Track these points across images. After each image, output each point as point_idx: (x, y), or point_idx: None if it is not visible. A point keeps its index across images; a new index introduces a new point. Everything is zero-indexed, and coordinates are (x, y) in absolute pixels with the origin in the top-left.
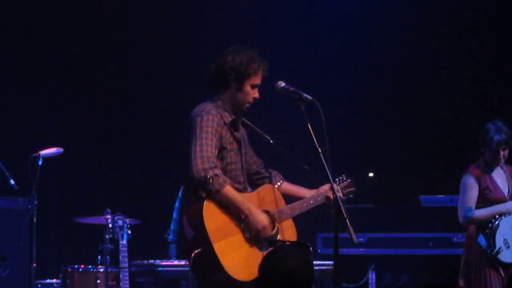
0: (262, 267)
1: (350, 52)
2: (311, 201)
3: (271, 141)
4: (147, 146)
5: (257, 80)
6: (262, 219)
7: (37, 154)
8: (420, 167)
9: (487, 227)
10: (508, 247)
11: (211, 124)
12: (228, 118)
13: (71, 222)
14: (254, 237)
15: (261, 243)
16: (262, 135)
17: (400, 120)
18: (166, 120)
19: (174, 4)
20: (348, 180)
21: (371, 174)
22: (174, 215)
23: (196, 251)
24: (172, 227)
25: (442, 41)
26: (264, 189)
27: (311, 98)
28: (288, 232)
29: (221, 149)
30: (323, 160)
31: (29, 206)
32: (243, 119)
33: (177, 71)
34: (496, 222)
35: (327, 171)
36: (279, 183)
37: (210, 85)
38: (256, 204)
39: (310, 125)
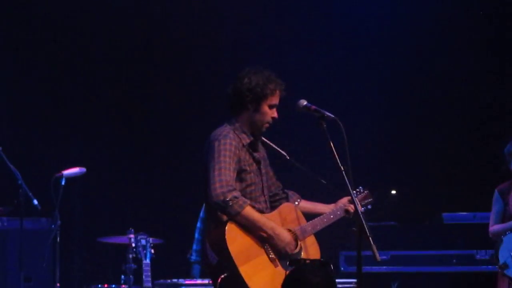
0: (285, 286)
1: (373, 68)
2: (331, 216)
3: (288, 157)
4: (170, 166)
5: (274, 100)
6: (285, 236)
7: (60, 174)
8: (443, 184)
9: (497, 242)
10: None
11: (228, 147)
12: (246, 140)
13: (94, 242)
14: (278, 255)
15: (285, 262)
16: (278, 151)
17: (422, 137)
18: (189, 139)
19: (197, 23)
20: (365, 192)
21: (393, 192)
22: (196, 235)
23: (222, 276)
24: (194, 247)
25: (469, 55)
26: (285, 208)
27: (332, 116)
28: (311, 249)
29: (241, 171)
30: (346, 179)
31: (52, 226)
32: (262, 138)
33: (200, 90)
34: (501, 238)
35: (350, 190)
36: (296, 203)
37: (227, 107)
38: (278, 223)
39: (331, 143)
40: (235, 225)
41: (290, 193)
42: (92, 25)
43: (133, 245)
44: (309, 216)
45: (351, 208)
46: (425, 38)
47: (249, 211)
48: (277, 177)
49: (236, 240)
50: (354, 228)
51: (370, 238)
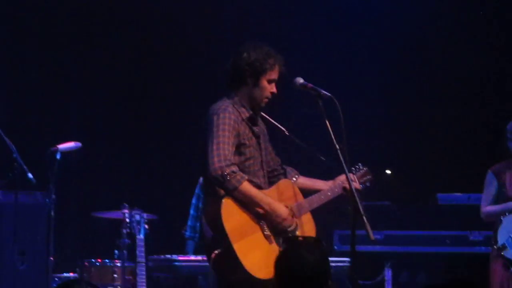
0: (279, 264)
1: (371, 48)
2: (329, 193)
3: (287, 133)
4: (166, 142)
5: (273, 75)
6: (283, 211)
7: (55, 148)
8: (438, 165)
9: (496, 223)
10: None
11: (227, 121)
12: (246, 114)
13: (89, 217)
14: (273, 232)
15: (280, 240)
16: (277, 127)
17: (418, 118)
18: (185, 115)
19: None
20: (364, 169)
21: (388, 171)
22: (191, 211)
23: (216, 252)
24: (189, 223)
25: (467, 39)
26: (283, 184)
27: (329, 94)
28: (307, 226)
29: (240, 145)
30: (341, 157)
31: (47, 201)
32: (262, 113)
33: (196, 66)
34: (501, 219)
35: (345, 168)
36: (294, 179)
37: (226, 82)
38: (275, 199)
39: (328, 122)
40: (232, 200)
41: (289, 169)
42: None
43: (127, 220)
44: (307, 192)
45: (348, 185)
46: (422, 18)
47: (247, 186)
48: (276, 153)
49: (231, 216)
50: (348, 207)
51: (364, 217)
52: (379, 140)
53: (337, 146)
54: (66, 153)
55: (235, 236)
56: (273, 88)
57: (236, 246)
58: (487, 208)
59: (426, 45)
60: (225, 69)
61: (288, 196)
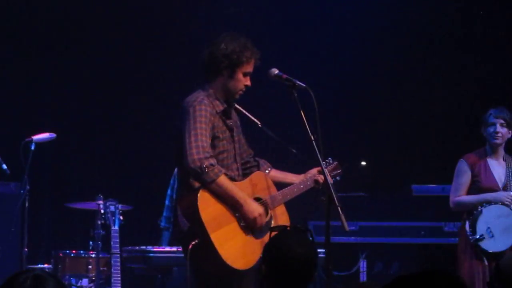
0: (269, 254)
1: (345, 40)
2: (301, 186)
3: (260, 125)
4: (140, 132)
5: (249, 68)
6: (256, 208)
7: (30, 139)
8: (413, 156)
9: (472, 214)
10: (492, 236)
11: (204, 113)
12: (220, 107)
13: (63, 208)
14: (249, 225)
15: (256, 231)
16: (250, 119)
17: (393, 109)
18: (159, 106)
19: None
20: (334, 163)
21: (363, 163)
22: (167, 202)
23: (193, 243)
24: (164, 214)
25: (435, 32)
26: (256, 176)
27: (304, 85)
28: (281, 218)
29: (214, 138)
30: (315, 148)
31: (21, 191)
32: (235, 105)
33: (170, 57)
34: (480, 209)
35: (320, 158)
36: (267, 171)
37: (202, 72)
38: (249, 191)
39: (302, 112)
40: (208, 192)
41: (261, 161)
42: None
43: (102, 211)
44: (279, 185)
45: (320, 178)
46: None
47: (224, 180)
48: (248, 145)
49: (208, 207)
50: (323, 198)
51: (339, 208)
52: (354, 132)
53: (312, 137)
54: (40, 144)
55: (212, 226)
56: (247, 81)
57: (213, 236)
58: (461, 197)
59: (400, 34)
60: (201, 59)
61: (261, 188)
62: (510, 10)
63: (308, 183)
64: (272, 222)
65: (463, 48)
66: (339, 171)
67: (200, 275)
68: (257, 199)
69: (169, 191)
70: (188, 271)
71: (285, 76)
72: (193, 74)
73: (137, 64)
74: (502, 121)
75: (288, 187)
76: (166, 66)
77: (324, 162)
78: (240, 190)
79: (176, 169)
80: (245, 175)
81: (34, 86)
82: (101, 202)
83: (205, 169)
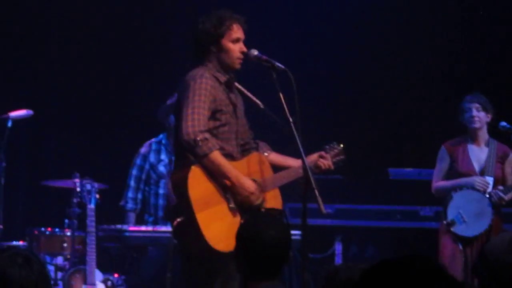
0: (240, 237)
1: (326, 24)
2: (300, 170)
3: (262, 106)
4: (118, 111)
5: (234, 35)
6: (249, 185)
7: (6, 116)
8: (390, 140)
9: (446, 199)
10: (463, 221)
11: (204, 86)
12: (223, 78)
13: (39, 185)
14: (239, 205)
15: (245, 213)
16: (252, 100)
17: (370, 92)
18: (137, 85)
19: None
20: (337, 148)
21: (340, 145)
22: (132, 183)
23: (178, 220)
24: (129, 195)
25: (417, 24)
26: (254, 157)
27: (283, 67)
28: (273, 202)
29: (216, 111)
30: (294, 130)
31: None
32: (237, 84)
33: (149, 40)
34: (451, 194)
35: (297, 141)
36: (266, 154)
37: (193, 56)
38: (245, 172)
39: (281, 94)
40: (200, 169)
41: (261, 144)
42: None
43: (78, 189)
44: (278, 169)
45: (322, 163)
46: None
47: (217, 155)
48: (249, 127)
49: (198, 185)
50: (299, 181)
51: (316, 190)
52: (331, 114)
53: (290, 119)
54: (17, 121)
55: (199, 205)
56: (241, 47)
57: (199, 216)
58: (439, 183)
59: (382, 22)
60: (191, 45)
61: (257, 170)
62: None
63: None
64: (265, 205)
65: (441, 33)
66: (342, 157)
67: (184, 253)
68: (252, 181)
69: (134, 171)
70: (170, 248)
71: (264, 57)
72: (174, 54)
73: (115, 42)
74: (477, 105)
75: (285, 170)
76: (146, 46)
77: (327, 146)
78: (234, 167)
79: (141, 148)
80: (243, 156)
81: (10, 63)
82: (77, 180)
83: (199, 142)
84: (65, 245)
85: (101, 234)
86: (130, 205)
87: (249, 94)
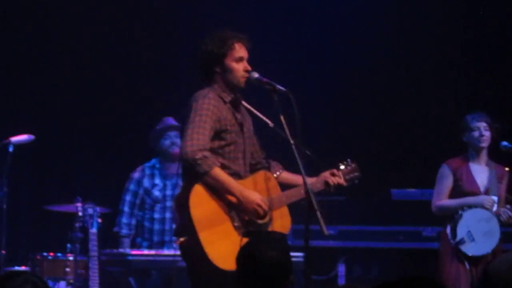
0: (241, 259)
1: (328, 45)
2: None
3: (271, 125)
4: (119, 136)
5: (237, 54)
6: (255, 197)
7: (8, 141)
8: (392, 160)
9: (453, 218)
10: (473, 240)
11: (206, 107)
12: (228, 98)
13: (42, 210)
14: (245, 223)
15: (247, 233)
16: (261, 119)
17: (372, 112)
18: (139, 110)
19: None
20: (351, 165)
21: (342, 166)
22: (126, 209)
23: (182, 239)
24: (124, 220)
25: (420, 39)
26: (261, 176)
27: (284, 89)
28: (281, 221)
29: (221, 130)
30: (295, 152)
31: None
32: (245, 104)
33: (151, 60)
34: (460, 213)
35: (299, 163)
36: (278, 173)
37: (201, 78)
38: (251, 189)
39: (283, 116)
40: (203, 188)
41: (273, 163)
42: None
43: (80, 214)
44: (290, 188)
45: (331, 180)
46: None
47: (218, 172)
48: (261, 146)
49: (201, 204)
50: (302, 202)
51: (318, 212)
52: (333, 135)
53: (292, 141)
54: (19, 146)
55: (202, 225)
56: (245, 66)
57: (202, 235)
58: (443, 201)
59: (383, 39)
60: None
61: (263, 188)
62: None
63: (318, 185)
64: (274, 224)
65: (443, 55)
66: (356, 174)
67: (191, 273)
68: None
69: (128, 197)
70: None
71: (265, 79)
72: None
73: (117, 66)
74: (485, 124)
75: (294, 188)
76: (147, 71)
77: (340, 163)
78: (237, 183)
79: (132, 174)
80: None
81: (12, 87)
82: (79, 204)
83: (198, 160)
84: (68, 269)
85: (104, 258)
86: (124, 230)
87: (258, 113)
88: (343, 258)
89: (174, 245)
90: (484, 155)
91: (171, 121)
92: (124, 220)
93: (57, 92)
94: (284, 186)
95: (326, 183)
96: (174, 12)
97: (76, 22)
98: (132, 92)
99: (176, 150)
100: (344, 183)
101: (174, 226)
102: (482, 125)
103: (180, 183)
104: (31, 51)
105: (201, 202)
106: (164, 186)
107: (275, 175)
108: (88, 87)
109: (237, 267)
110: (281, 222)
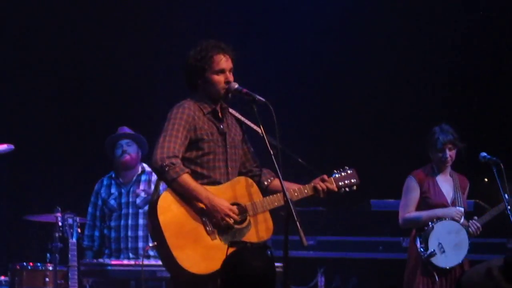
0: (225, 268)
1: (306, 55)
2: (295, 193)
3: (261, 133)
4: (99, 145)
5: (217, 66)
6: (223, 207)
7: None
8: (371, 171)
9: (423, 230)
10: (443, 252)
11: (179, 116)
12: (208, 108)
13: (21, 220)
14: (216, 227)
15: (225, 235)
16: (252, 128)
17: (351, 123)
18: (119, 120)
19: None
20: (347, 171)
21: (335, 173)
22: (88, 221)
23: (150, 245)
24: (86, 232)
25: (397, 46)
26: (238, 182)
27: (263, 100)
28: (262, 226)
29: (197, 140)
30: (275, 162)
31: None
32: (234, 112)
33: (129, 77)
34: (431, 225)
35: (279, 173)
36: (269, 180)
37: (188, 89)
38: (228, 196)
39: (262, 127)
40: (171, 195)
41: (265, 170)
42: None
43: (60, 224)
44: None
45: (319, 185)
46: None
47: (186, 179)
48: (254, 155)
49: (169, 210)
50: (281, 213)
51: (298, 222)
52: (312, 146)
53: (271, 152)
54: None
55: (170, 229)
56: (226, 77)
57: (170, 240)
58: (412, 214)
59: (361, 48)
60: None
61: (243, 194)
62: None
63: (306, 191)
64: (252, 229)
65: (417, 62)
66: (353, 180)
67: (171, 279)
68: (235, 205)
69: (90, 209)
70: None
71: (245, 90)
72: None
73: (97, 73)
74: (450, 146)
75: (276, 194)
76: (128, 76)
77: (335, 171)
78: (206, 189)
79: (96, 186)
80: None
81: None
82: (59, 214)
83: (165, 168)
84: (47, 279)
85: (83, 268)
86: (85, 242)
87: (247, 121)
88: (323, 268)
89: (130, 253)
90: (448, 168)
91: (124, 129)
92: (86, 232)
93: (36, 102)
94: (276, 193)
95: (315, 189)
96: (155, 22)
97: (55, 33)
98: (110, 104)
99: (126, 158)
100: (336, 189)
101: (130, 233)
102: (448, 146)
103: (136, 190)
104: (12, 60)
105: (169, 208)
106: (120, 194)
107: (267, 182)
108: (67, 98)
109: (222, 277)
110: (266, 225)
